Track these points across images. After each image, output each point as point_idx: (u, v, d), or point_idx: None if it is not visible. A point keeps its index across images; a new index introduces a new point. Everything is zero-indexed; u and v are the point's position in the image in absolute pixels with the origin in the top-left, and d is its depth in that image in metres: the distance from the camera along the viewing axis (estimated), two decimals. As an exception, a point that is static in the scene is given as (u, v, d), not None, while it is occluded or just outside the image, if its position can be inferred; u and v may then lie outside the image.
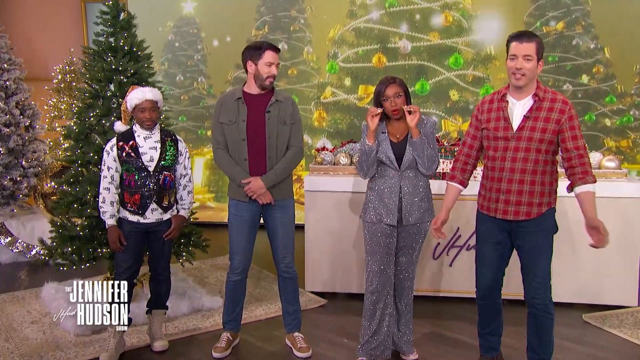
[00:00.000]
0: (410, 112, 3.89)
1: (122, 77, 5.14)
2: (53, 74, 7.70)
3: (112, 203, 4.22)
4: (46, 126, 7.45)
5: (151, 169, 4.21)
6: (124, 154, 4.19)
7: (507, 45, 3.62)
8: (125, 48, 5.22)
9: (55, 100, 7.66)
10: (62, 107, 7.58)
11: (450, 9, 7.85)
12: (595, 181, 3.58)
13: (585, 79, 7.76)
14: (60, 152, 7.20)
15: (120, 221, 4.28)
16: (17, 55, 7.12)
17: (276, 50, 4.26)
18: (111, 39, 5.25)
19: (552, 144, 3.61)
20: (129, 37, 5.25)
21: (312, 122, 8.29)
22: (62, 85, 7.66)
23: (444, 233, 3.93)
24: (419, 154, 3.94)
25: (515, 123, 3.64)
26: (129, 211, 4.25)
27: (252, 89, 4.30)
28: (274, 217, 4.39)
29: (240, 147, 4.26)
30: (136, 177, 4.20)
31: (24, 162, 6.92)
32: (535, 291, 3.77)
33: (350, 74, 8.15)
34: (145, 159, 4.21)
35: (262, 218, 4.46)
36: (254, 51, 4.23)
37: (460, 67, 7.85)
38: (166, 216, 4.34)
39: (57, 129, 7.40)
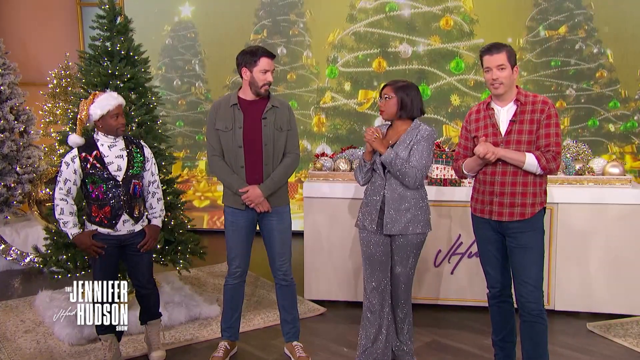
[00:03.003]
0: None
1: (118, 82, 5.10)
2: (48, 78, 7.65)
3: (71, 213, 4.04)
4: (41, 132, 7.41)
5: (120, 178, 4.04)
6: (88, 165, 4.00)
7: (481, 60, 3.79)
8: (122, 52, 5.18)
9: (50, 105, 7.60)
10: (58, 112, 7.52)
11: (452, 12, 7.79)
12: (539, 161, 3.64)
13: (588, 83, 7.72)
14: (55, 158, 7.13)
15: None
16: (12, 60, 7.07)
17: (271, 56, 4.20)
18: (107, 43, 5.21)
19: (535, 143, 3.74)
20: (125, 41, 5.20)
21: (311, 127, 8.23)
22: (57, 90, 7.61)
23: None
24: (390, 169, 3.91)
25: (503, 128, 3.77)
26: (98, 225, 4.07)
27: (248, 95, 4.25)
28: (271, 224, 4.35)
29: (237, 155, 4.20)
30: (104, 188, 4.02)
31: (18, 168, 6.85)
32: (529, 294, 3.77)
33: (350, 79, 8.09)
34: (112, 168, 4.03)
35: (257, 225, 4.41)
36: (248, 57, 4.17)
37: (462, 71, 7.80)
38: (137, 227, 4.17)
39: (52, 135, 7.35)
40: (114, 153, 4.06)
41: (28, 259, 6.72)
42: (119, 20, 5.23)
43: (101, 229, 4.07)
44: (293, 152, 4.35)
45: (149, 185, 4.26)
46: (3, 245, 6.74)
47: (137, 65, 5.27)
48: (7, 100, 6.81)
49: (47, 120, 7.59)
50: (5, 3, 8.50)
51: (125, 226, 4.10)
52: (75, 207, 4.08)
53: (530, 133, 3.69)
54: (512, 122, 3.73)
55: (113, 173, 4.03)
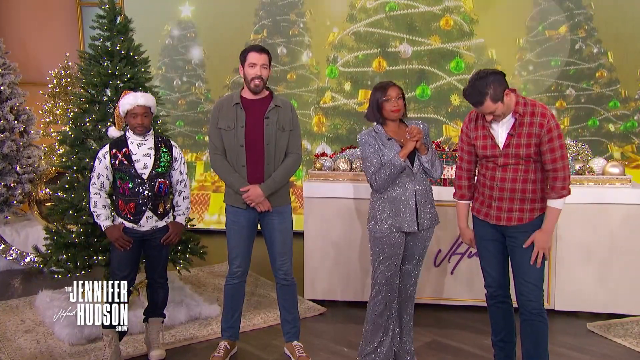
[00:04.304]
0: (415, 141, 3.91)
1: (118, 82, 5.09)
2: (48, 78, 7.65)
3: (104, 207, 4.18)
4: (41, 131, 7.41)
5: (145, 176, 4.15)
6: (117, 162, 4.13)
7: None
8: (122, 52, 5.17)
9: (50, 105, 7.61)
10: (58, 112, 7.53)
11: (452, 12, 7.79)
12: (562, 195, 3.66)
13: (588, 83, 7.73)
14: (55, 158, 7.13)
15: None
16: (12, 60, 7.07)
17: (260, 51, 4.20)
18: (107, 43, 5.20)
19: (538, 155, 3.69)
20: (125, 41, 5.20)
21: (311, 127, 8.22)
22: (57, 90, 7.61)
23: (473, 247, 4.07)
24: (430, 165, 3.97)
25: (501, 141, 3.71)
26: (124, 219, 4.19)
27: (249, 94, 4.26)
28: (272, 223, 4.35)
29: (239, 154, 4.21)
30: (130, 184, 4.14)
31: (18, 168, 6.85)
32: (529, 293, 3.77)
33: (350, 79, 8.09)
34: (138, 166, 4.14)
35: (259, 224, 4.41)
36: (241, 55, 4.24)
37: (462, 71, 7.80)
38: (161, 224, 4.27)
39: (53, 135, 7.36)
40: (141, 151, 4.18)
41: (28, 258, 6.71)
42: (119, 20, 5.22)
43: (126, 223, 4.19)
44: (295, 152, 4.35)
45: (177, 184, 4.36)
46: (3, 245, 6.74)
47: (137, 65, 5.26)
48: (7, 100, 6.81)
49: (47, 120, 7.60)
50: (5, 3, 8.50)
51: (148, 222, 4.21)
52: (108, 201, 4.23)
53: (528, 147, 3.62)
54: (510, 135, 3.66)
55: (139, 171, 4.14)
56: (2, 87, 6.76)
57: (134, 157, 4.15)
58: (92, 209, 4.20)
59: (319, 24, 8.18)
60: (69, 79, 7.64)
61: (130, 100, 4.14)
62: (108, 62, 5.14)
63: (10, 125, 6.76)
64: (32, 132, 7.09)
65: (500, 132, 3.70)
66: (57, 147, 6.96)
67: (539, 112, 3.62)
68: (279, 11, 8.24)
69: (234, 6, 8.31)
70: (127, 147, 4.17)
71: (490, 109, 3.55)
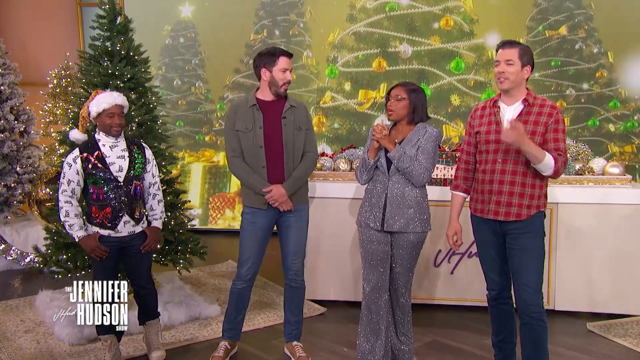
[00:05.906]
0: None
1: (118, 82, 5.09)
2: (48, 78, 7.66)
3: (76, 215, 4.01)
4: (41, 131, 7.41)
5: (121, 179, 4.02)
6: (89, 166, 3.97)
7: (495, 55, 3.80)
8: (122, 52, 5.17)
9: (50, 105, 7.62)
10: (58, 112, 7.54)
11: (452, 13, 7.80)
12: (555, 159, 3.58)
13: (589, 84, 7.72)
14: (55, 158, 7.10)
15: None
16: (12, 60, 7.05)
17: (289, 55, 4.25)
18: (107, 43, 5.21)
19: (542, 146, 3.67)
20: (125, 41, 5.20)
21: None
22: (57, 90, 7.63)
23: (457, 243, 4.05)
24: (397, 165, 3.92)
25: (506, 126, 3.68)
26: (99, 226, 4.04)
27: (266, 95, 4.27)
28: (289, 221, 4.36)
29: (258, 155, 4.21)
30: (105, 189, 3.99)
31: (18, 168, 6.84)
32: (528, 297, 3.76)
33: (350, 79, 8.09)
34: (113, 169, 4.00)
35: (275, 226, 4.43)
36: (267, 58, 4.21)
37: (462, 71, 7.81)
38: (138, 228, 4.15)
39: (53, 135, 7.36)
40: (115, 153, 4.04)
41: (28, 258, 6.71)
42: (119, 20, 5.23)
43: (102, 231, 4.04)
44: (312, 150, 4.38)
45: (149, 187, 4.24)
46: (3, 245, 6.74)
47: (137, 65, 5.27)
48: (7, 100, 6.80)
49: (47, 120, 7.61)
50: (5, 3, 8.50)
51: (126, 227, 4.08)
52: (80, 209, 4.06)
53: (533, 134, 3.65)
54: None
55: (115, 174, 4.00)
56: (2, 87, 6.75)
57: (108, 160, 4.00)
58: (62, 218, 3.99)
59: (319, 24, 8.18)
60: (69, 79, 7.66)
61: (108, 99, 3.98)
62: (108, 62, 5.14)
63: (10, 125, 6.75)
64: (32, 132, 7.08)
65: (507, 118, 3.72)
66: (57, 147, 6.93)
67: (549, 104, 3.73)
68: (279, 11, 8.23)
69: (234, 6, 8.30)
70: (99, 149, 4.01)
71: (510, 56, 3.69)
